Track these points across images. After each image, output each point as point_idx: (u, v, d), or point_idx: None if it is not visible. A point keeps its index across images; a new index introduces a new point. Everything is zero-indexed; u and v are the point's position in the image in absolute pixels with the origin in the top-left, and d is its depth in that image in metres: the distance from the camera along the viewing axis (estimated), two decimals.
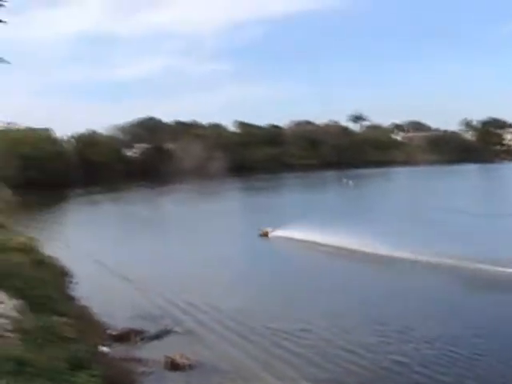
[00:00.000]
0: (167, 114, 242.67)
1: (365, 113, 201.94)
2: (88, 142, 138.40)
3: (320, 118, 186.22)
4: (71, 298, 25.13)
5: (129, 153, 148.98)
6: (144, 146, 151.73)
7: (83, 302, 24.88)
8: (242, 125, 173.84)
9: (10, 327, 15.50)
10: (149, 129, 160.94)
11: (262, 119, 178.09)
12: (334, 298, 26.91)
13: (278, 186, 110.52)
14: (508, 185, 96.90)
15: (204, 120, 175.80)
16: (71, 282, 29.55)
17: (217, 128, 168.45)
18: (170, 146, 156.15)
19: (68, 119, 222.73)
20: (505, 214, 52.07)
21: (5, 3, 14.13)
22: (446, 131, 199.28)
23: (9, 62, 14.39)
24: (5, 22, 14.38)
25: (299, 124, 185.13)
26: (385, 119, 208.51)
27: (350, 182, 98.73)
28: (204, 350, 20.34)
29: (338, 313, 24.21)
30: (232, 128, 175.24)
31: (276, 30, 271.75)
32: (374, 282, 30.68)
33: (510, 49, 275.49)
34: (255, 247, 43.55)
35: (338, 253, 37.54)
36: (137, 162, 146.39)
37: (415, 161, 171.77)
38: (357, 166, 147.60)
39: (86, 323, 20.60)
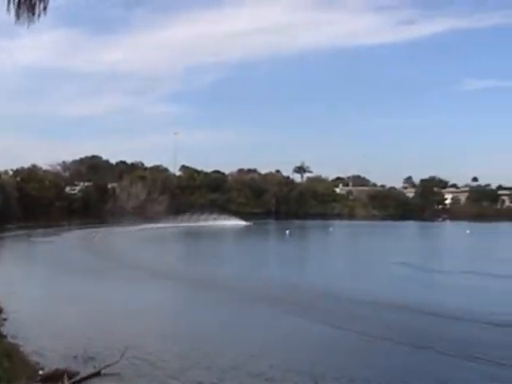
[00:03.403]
0: (114, 154, 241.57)
1: (311, 165, 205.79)
2: (29, 177, 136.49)
3: (266, 167, 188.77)
4: (1, 336, 24.48)
5: (70, 190, 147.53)
6: (86, 184, 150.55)
7: (13, 340, 24.24)
8: (186, 169, 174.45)
9: None
10: (92, 167, 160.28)
11: (209, 164, 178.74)
12: None
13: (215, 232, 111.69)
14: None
15: (150, 162, 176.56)
16: (3, 319, 28.87)
17: (160, 171, 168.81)
18: (112, 185, 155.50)
19: (10, 154, 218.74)
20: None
21: None
22: (384, 186, 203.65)
23: None
24: None
25: (243, 172, 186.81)
26: (331, 173, 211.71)
27: (287, 232, 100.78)
28: None
29: None
30: (177, 171, 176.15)
31: (232, 76, 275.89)
32: None
33: (458, 107, 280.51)
34: None
35: None
36: (77, 199, 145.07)
37: (355, 215, 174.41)
38: (297, 217, 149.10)
39: (16, 362, 20.15)
